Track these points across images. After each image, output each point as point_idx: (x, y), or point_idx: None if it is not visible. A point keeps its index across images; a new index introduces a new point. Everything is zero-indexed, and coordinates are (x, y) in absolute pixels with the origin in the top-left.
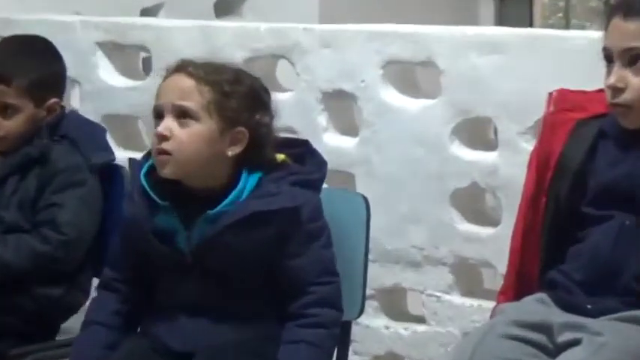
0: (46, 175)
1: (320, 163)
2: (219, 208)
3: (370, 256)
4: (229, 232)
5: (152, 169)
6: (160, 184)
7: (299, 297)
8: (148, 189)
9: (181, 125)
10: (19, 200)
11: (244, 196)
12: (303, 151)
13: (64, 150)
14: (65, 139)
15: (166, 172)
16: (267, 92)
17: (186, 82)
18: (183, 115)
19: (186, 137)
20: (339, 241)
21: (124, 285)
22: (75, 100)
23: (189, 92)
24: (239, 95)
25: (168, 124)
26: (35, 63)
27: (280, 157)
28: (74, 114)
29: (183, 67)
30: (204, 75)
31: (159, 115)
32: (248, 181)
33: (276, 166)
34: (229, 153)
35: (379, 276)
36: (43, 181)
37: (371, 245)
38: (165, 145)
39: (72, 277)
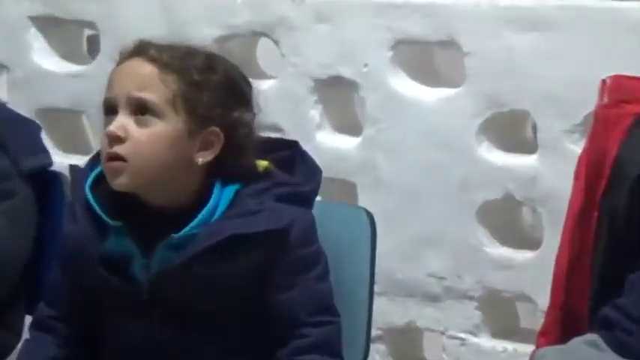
0: None
1: (312, 171)
2: (186, 230)
3: (376, 288)
4: (199, 261)
5: (100, 180)
6: (111, 198)
7: (288, 341)
8: (95, 205)
9: (139, 123)
10: None
11: (217, 214)
12: (290, 156)
13: None
14: None
15: (119, 182)
16: (247, 82)
17: (146, 68)
18: (141, 110)
19: (145, 139)
20: (337, 268)
21: (64, 324)
22: (1, 90)
23: (150, 82)
24: (212, 86)
25: (123, 121)
26: None
27: (262, 164)
28: (0, 107)
29: (142, 49)
30: (168, 60)
31: (110, 109)
32: (222, 196)
33: (258, 176)
34: (199, 160)
35: (388, 312)
36: None
37: (378, 274)
38: (119, 149)
39: None
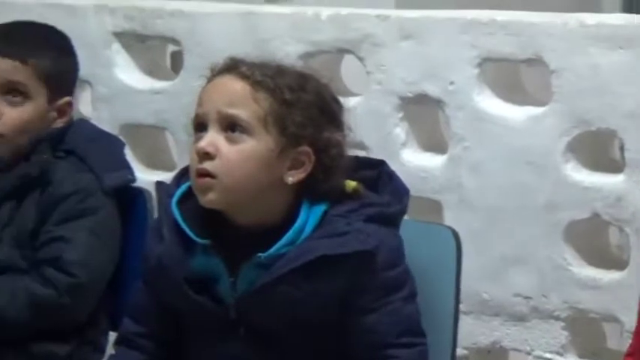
0: (49, 201)
1: (399, 192)
2: (273, 250)
3: (462, 307)
4: (285, 282)
5: (187, 197)
6: (198, 216)
7: None
8: (182, 223)
9: (230, 140)
10: (15, 233)
11: (305, 234)
12: (377, 175)
13: (71, 169)
14: (72, 155)
15: (208, 199)
16: (337, 102)
17: (237, 85)
18: (232, 127)
19: (235, 156)
20: (423, 287)
21: (149, 341)
22: (85, 106)
23: (242, 99)
24: (303, 105)
25: (213, 138)
26: (54, 49)
27: (351, 184)
28: (83, 123)
29: (233, 66)
30: (260, 78)
31: (201, 126)
32: (310, 216)
33: (346, 196)
34: (289, 179)
35: (473, 332)
36: (44, 208)
37: (463, 293)
38: (209, 166)
39: (82, 330)
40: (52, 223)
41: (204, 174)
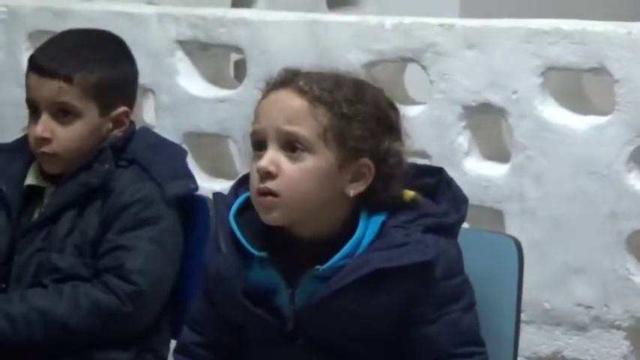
0: (110, 210)
1: (458, 201)
2: (332, 262)
3: (523, 317)
4: (344, 294)
5: (244, 208)
6: (255, 227)
7: None
8: (240, 235)
9: (290, 158)
10: (77, 242)
11: (363, 246)
12: (435, 183)
13: (133, 178)
14: (134, 164)
15: (272, 218)
16: (394, 108)
17: (296, 102)
18: (292, 144)
19: (297, 174)
20: (483, 297)
21: (207, 351)
22: (148, 114)
23: (301, 116)
24: (362, 118)
25: (274, 156)
26: (103, 60)
27: (409, 194)
28: (146, 131)
29: (290, 80)
30: (319, 92)
31: (259, 143)
32: (368, 227)
33: (404, 206)
34: (351, 192)
35: (534, 342)
36: (107, 217)
37: (524, 302)
38: (271, 185)
39: (144, 338)
40: (113, 232)
41: (267, 193)
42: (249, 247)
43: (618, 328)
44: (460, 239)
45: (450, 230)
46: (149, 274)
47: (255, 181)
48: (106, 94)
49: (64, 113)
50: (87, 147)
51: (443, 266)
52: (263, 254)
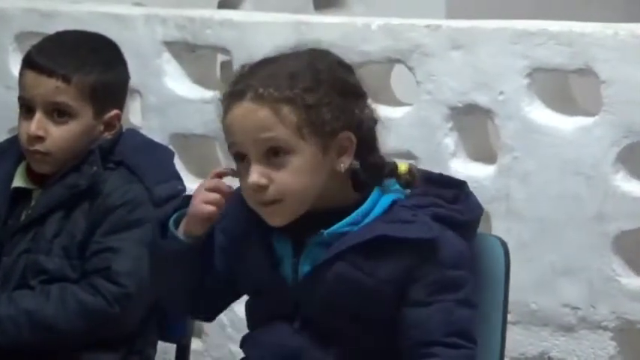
0: (98, 212)
1: (473, 207)
2: (336, 227)
3: (510, 317)
4: (346, 260)
5: None
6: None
7: (416, 358)
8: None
9: (276, 165)
10: (64, 244)
11: (370, 217)
12: (456, 194)
13: (121, 180)
14: (121, 166)
15: (280, 223)
16: (348, 68)
17: (259, 113)
18: (274, 151)
19: (289, 178)
20: None
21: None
22: (135, 116)
23: (271, 123)
24: (327, 100)
25: (261, 169)
26: (100, 63)
27: (403, 166)
28: (133, 133)
29: (246, 88)
30: (277, 93)
31: (240, 155)
32: (378, 203)
33: (406, 182)
34: (341, 166)
35: (521, 342)
36: (94, 219)
37: (511, 303)
38: (270, 195)
39: (131, 340)
40: (101, 233)
41: (268, 203)
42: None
43: (605, 328)
44: None
45: (460, 227)
46: (136, 276)
47: (250, 195)
48: (101, 97)
49: (59, 113)
50: (78, 148)
51: (449, 254)
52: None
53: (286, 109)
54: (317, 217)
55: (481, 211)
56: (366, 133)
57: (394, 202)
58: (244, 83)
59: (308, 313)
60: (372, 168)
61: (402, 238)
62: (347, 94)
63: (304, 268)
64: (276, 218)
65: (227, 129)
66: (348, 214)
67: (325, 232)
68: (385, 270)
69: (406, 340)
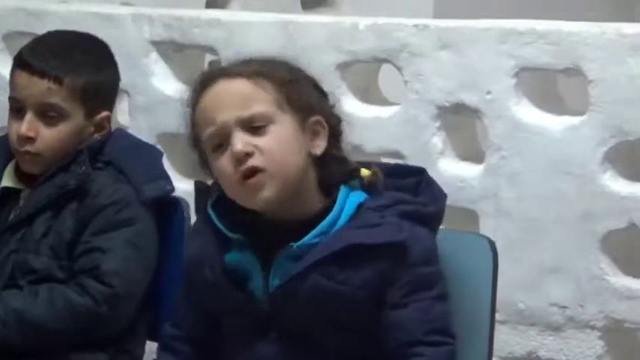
0: (86, 211)
1: (437, 196)
2: (306, 239)
3: (498, 317)
4: (318, 272)
5: (219, 200)
6: (231, 213)
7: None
8: (216, 220)
9: (260, 135)
10: (52, 244)
11: (339, 226)
12: (416, 182)
13: (109, 180)
14: (110, 166)
15: (264, 197)
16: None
17: (238, 85)
18: (255, 123)
19: (273, 145)
20: (459, 296)
21: (189, 346)
22: (123, 116)
23: (251, 95)
24: (302, 82)
25: (244, 138)
26: (92, 64)
27: (365, 172)
28: (121, 133)
29: (220, 72)
30: (253, 69)
31: (224, 137)
32: (344, 208)
33: (371, 186)
34: (317, 151)
35: (509, 342)
36: (82, 219)
37: (499, 302)
38: (254, 162)
39: (119, 339)
40: (89, 233)
41: (253, 172)
42: (225, 231)
43: (593, 328)
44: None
45: (427, 220)
46: (125, 276)
47: (232, 170)
48: (92, 98)
49: (50, 114)
50: (68, 149)
51: (417, 252)
52: (238, 236)
53: (264, 82)
54: (284, 229)
55: (444, 198)
56: (334, 128)
57: (360, 206)
58: (218, 68)
59: (284, 324)
60: (338, 162)
61: (372, 245)
62: (318, 89)
63: (274, 281)
64: (262, 192)
65: (203, 117)
66: (316, 223)
67: (295, 244)
68: (358, 277)
69: (390, 342)
